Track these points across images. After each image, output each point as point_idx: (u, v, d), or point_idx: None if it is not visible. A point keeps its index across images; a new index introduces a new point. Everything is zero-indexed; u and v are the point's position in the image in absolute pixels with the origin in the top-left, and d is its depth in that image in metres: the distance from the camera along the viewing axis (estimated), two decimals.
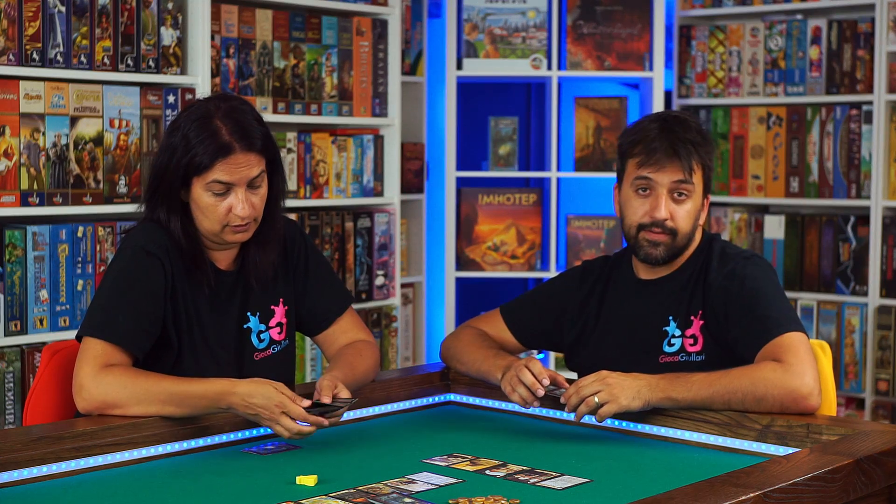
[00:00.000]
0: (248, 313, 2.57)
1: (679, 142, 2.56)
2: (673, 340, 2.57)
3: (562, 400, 2.43)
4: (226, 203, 2.47)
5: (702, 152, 2.59)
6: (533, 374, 2.44)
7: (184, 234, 2.51)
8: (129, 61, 3.65)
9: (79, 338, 2.47)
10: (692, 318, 2.57)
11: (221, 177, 2.46)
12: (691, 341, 2.56)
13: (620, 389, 2.36)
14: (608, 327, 2.67)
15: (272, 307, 2.61)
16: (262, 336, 2.59)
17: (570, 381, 2.61)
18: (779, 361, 2.38)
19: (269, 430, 2.41)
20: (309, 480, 2.08)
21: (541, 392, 2.43)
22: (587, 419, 2.50)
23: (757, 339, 2.45)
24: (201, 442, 2.34)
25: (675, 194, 2.56)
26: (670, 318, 2.59)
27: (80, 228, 3.57)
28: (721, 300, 2.53)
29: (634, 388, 2.36)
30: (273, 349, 2.61)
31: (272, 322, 2.61)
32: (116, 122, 3.62)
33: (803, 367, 2.36)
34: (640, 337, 2.61)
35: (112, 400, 2.34)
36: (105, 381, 2.35)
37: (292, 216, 4.13)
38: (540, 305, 2.79)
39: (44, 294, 3.49)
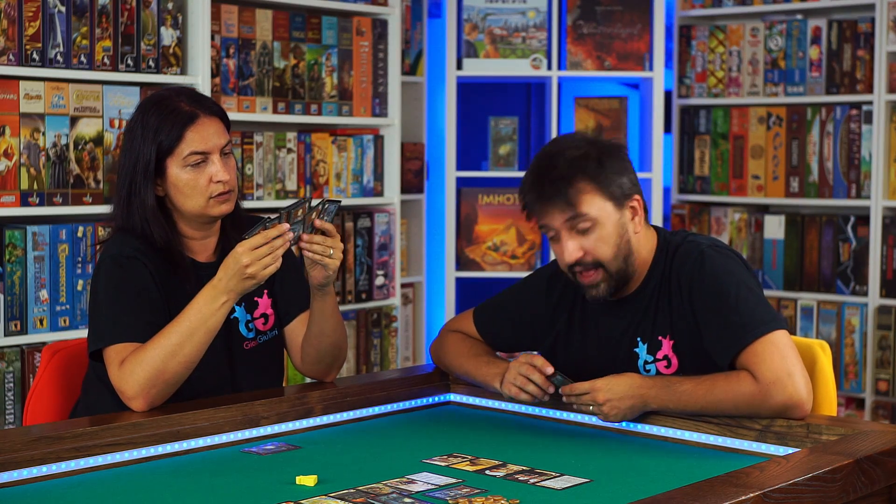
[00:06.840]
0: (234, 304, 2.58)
1: (547, 184, 2.43)
2: (648, 366, 2.50)
3: (564, 399, 2.47)
4: (205, 174, 2.52)
5: (579, 181, 2.42)
6: (538, 370, 2.46)
7: (160, 233, 2.53)
8: (129, 61, 3.65)
9: (92, 356, 2.49)
10: (660, 338, 2.48)
11: (196, 146, 2.51)
12: (665, 363, 2.48)
13: (610, 409, 2.40)
14: (582, 342, 2.59)
15: (256, 298, 2.63)
16: (249, 326, 2.62)
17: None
18: (756, 380, 2.30)
19: (269, 429, 2.42)
20: (309, 480, 2.08)
21: (551, 390, 2.46)
22: (587, 419, 2.50)
23: (729, 350, 2.36)
24: (201, 442, 2.34)
25: (576, 230, 2.44)
26: (638, 339, 2.51)
27: (80, 228, 3.57)
28: (689, 310, 2.44)
29: (625, 408, 2.40)
30: (260, 339, 2.65)
31: (256, 313, 2.64)
32: (116, 122, 3.62)
33: (782, 378, 2.29)
34: (614, 357, 2.53)
35: (145, 379, 2.36)
36: (127, 370, 2.38)
37: None
38: (511, 315, 2.71)
39: (44, 294, 3.49)
